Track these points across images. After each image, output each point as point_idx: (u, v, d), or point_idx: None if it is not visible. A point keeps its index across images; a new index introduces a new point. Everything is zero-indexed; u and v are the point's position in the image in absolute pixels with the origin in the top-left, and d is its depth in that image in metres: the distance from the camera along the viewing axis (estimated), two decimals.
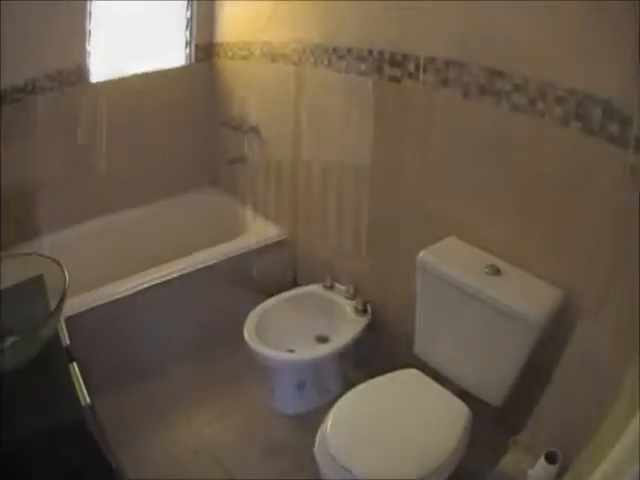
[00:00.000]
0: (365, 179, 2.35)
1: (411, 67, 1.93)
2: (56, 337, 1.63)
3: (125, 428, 2.35)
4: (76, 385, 1.47)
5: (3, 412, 1.37)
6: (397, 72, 1.99)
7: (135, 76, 3.23)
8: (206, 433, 2.42)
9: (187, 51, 3.41)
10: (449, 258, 1.81)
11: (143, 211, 3.45)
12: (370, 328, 2.41)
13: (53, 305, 1.61)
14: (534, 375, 1.60)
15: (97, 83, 3.10)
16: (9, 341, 1.59)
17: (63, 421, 1.38)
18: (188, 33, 3.36)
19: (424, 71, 1.88)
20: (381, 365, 2.17)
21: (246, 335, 2.27)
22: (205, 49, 3.41)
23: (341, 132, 2.42)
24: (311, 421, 2.21)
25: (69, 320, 1.66)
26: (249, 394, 2.61)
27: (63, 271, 1.64)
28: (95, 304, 2.50)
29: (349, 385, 2.03)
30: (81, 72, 3.01)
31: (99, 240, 3.23)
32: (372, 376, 1.96)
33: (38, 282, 1.78)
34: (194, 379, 2.74)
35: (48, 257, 1.73)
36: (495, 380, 1.72)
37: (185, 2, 3.28)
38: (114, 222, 3.34)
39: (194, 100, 3.52)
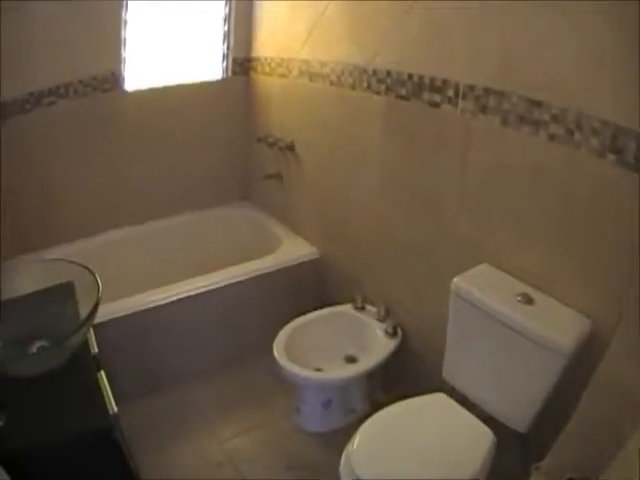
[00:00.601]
0: (400, 202, 2.41)
1: (450, 93, 1.99)
2: (85, 345, 1.69)
3: (149, 438, 2.44)
4: (104, 393, 1.51)
5: (30, 416, 1.43)
6: (436, 97, 2.06)
7: (170, 87, 3.33)
8: (230, 447, 2.49)
9: (224, 64, 3.52)
10: (482, 285, 1.86)
11: (173, 222, 3.56)
12: (399, 351, 2.46)
13: (83, 312, 1.68)
14: (559, 402, 1.64)
15: (131, 92, 3.21)
16: (36, 345, 1.64)
17: (90, 428, 1.42)
18: (225, 46, 3.47)
19: (463, 98, 1.94)
20: (408, 388, 2.22)
21: (275, 352, 2.34)
22: (242, 63, 3.51)
23: (377, 153, 2.48)
24: (335, 440, 2.28)
25: (96, 328, 1.73)
26: (274, 410, 2.68)
27: (96, 279, 1.69)
28: (124, 313, 2.58)
29: (375, 406, 2.09)
30: (115, 79, 3.12)
31: (128, 249, 3.34)
32: (399, 399, 2.01)
33: (68, 288, 1.84)
34: (220, 392, 2.82)
35: (80, 264, 1.78)
36: (521, 407, 1.77)
37: (223, 15, 3.38)
38: (143, 232, 3.45)
39: (229, 114, 3.62)
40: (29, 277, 1.88)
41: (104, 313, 2.50)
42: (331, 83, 2.67)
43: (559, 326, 1.64)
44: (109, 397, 1.51)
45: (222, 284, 2.85)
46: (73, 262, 1.80)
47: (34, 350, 1.63)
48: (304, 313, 2.64)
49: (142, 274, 3.16)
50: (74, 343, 1.58)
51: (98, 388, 1.53)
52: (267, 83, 3.34)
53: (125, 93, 3.19)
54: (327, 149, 2.84)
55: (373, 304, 2.65)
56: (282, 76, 3.13)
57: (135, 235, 3.42)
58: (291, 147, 3.12)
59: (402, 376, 2.58)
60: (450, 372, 2.05)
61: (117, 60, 3.09)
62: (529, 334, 1.66)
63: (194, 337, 2.89)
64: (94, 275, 1.71)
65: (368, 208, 2.63)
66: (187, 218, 3.62)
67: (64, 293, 1.83)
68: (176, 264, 3.37)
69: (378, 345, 2.44)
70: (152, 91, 3.29)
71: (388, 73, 2.29)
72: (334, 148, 2.78)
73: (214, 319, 2.92)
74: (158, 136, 3.39)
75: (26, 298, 1.82)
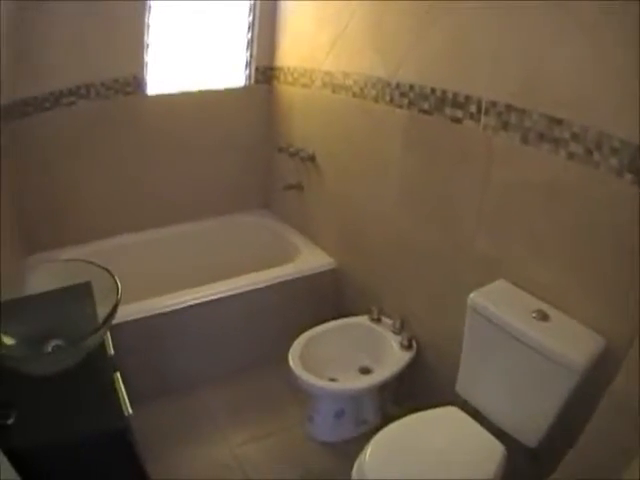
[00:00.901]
0: (419, 215, 2.45)
1: (473, 109, 2.04)
2: (102, 346, 1.72)
3: (159, 441, 2.49)
4: (120, 394, 1.54)
5: (44, 414, 1.46)
6: (459, 113, 2.10)
7: (193, 93, 3.40)
8: (241, 452, 2.54)
9: (247, 72, 3.58)
10: (499, 301, 1.90)
11: (191, 228, 3.64)
12: (413, 363, 2.50)
13: (100, 313, 1.71)
14: (570, 418, 1.67)
15: (153, 96, 3.28)
16: (52, 344, 1.67)
17: (105, 429, 1.45)
18: (248, 54, 3.53)
19: (485, 114, 1.99)
20: (420, 401, 2.27)
21: (290, 361, 2.38)
22: (265, 72, 3.57)
23: (398, 167, 2.53)
24: (346, 450, 2.33)
25: (112, 329, 1.77)
26: (287, 418, 2.73)
27: (115, 281, 1.73)
28: (140, 316, 2.64)
29: (387, 418, 2.14)
30: (137, 83, 3.19)
31: (144, 252, 3.41)
32: (411, 411, 2.05)
33: (86, 288, 1.86)
34: (233, 398, 2.87)
35: (99, 265, 1.81)
36: (532, 422, 1.80)
37: (247, 22, 3.45)
38: (161, 236, 3.53)
39: (251, 122, 3.68)
40: (47, 276, 1.91)
41: (120, 315, 2.53)
42: (354, 95, 2.72)
43: (573, 343, 1.67)
44: (124, 398, 1.53)
45: (240, 290, 2.91)
46: (92, 263, 1.84)
47: (49, 349, 1.66)
48: (320, 323, 2.69)
49: (158, 278, 3.23)
50: (91, 344, 1.62)
51: (114, 389, 1.56)
52: (289, 93, 3.40)
53: (147, 97, 3.26)
54: (348, 161, 2.89)
55: (389, 316, 2.70)
56: (305, 86, 3.19)
57: (152, 239, 3.49)
58: (312, 158, 3.18)
59: (415, 388, 2.61)
60: (464, 386, 2.09)
61: (139, 63, 3.17)
62: (543, 350, 1.69)
63: (210, 342, 2.94)
64: (113, 277, 1.74)
65: (387, 220, 2.67)
66: (206, 224, 3.69)
67: (82, 293, 1.86)
68: (193, 269, 3.42)
69: (393, 357, 2.48)
70: (174, 96, 3.37)
71: (411, 87, 2.34)
72: (355, 160, 2.83)
73: (230, 325, 2.97)
74: (179, 141, 3.46)
75: (43, 296, 1.84)
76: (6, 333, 1.67)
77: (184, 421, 2.71)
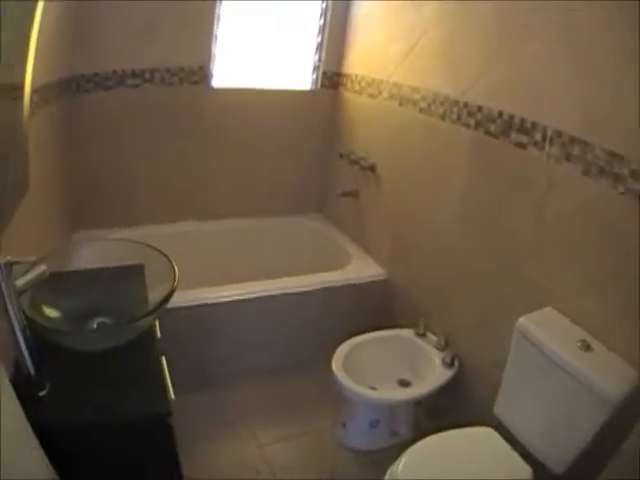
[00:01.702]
0: (474, 236, 2.54)
1: (538, 136, 2.12)
2: (151, 328, 1.79)
3: (190, 432, 2.55)
4: (165, 379, 1.60)
5: (84, 391, 1.51)
6: (524, 139, 2.19)
7: (258, 90, 3.54)
8: (270, 452, 2.66)
9: (314, 76, 3.71)
10: (546, 328, 1.98)
11: (242, 224, 3.79)
12: (452, 381, 2.59)
13: (151, 296, 1.78)
14: (598, 449, 1.76)
15: (218, 88, 3.43)
16: (97, 321, 1.74)
17: (149, 412, 1.50)
18: (317, 58, 3.66)
19: (550, 143, 2.07)
20: (454, 418, 2.38)
21: (334, 365, 2.51)
22: (332, 77, 3.70)
23: (457, 186, 2.62)
24: (375, 459, 2.47)
25: None
26: (319, 422, 2.84)
27: (173, 267, 1.78)
28: (185, 304, 2.74)
29: (419, 432, 2.24)
30: (203, 74, 3.34)
31: (194, 242, 3.56)
32: (444, 427, 2.15)
33: (138, 270, 1.94)
34: (267, 397, 3.00)
35: (156, 249, 1.88)
36: (563, 449, 1.88)
37: (318, 26, 3.58)
38: (210, 228, 3.69)
39: (313, 126, 3.80)
40: (100, 252, 1.99)
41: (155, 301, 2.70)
42: (421, 110, 2.83)
43: (611, 376, 1.75)
44: (169, 383, 1.60)
45: (288, 291, 3.04)
46: (150, 246, 1.91)
47: (94, 326, 1.73)
48: (364, 332, 2.79)
49: (206, 269, 3.36)
50: (142, 326, 1.67)
51: (160, 373, 1.62)
52: (355, 101, 3.53)
53: (211, 89, 3.41)
54: (408, 175, 3.00)
55: (434, 332, 2.80)
56: (371, 96, 3.31)
57: (202, 231, 3.66)
58: (372, 167, 3.29)
59: (450, 405, 2.70)
60: (501, 407, 2.18)
61: (207, 54, 3.31)
62: (583, 380, 1.77)
63: (250, 339, 3.07)
64: (171, 262, 1.81)
65: (441, 238, 2.77)
66: (258, 222, 3.84)
67: (133, 275, 1.94)
68: (240, 265, 3.58)
69: (434, 373, 2.59)
70: (238, 91, 3.51)
71: (479, 108, 2.43)
72: (416, 175, 2.93)
73: (273, 324, 3.11)
74: (239, 136, 3.60)
75: (93, 273, 1.91)
76: (52, 305, 1.72)
77: (216, 414, 2.83)
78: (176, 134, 3.43)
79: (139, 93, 3.21)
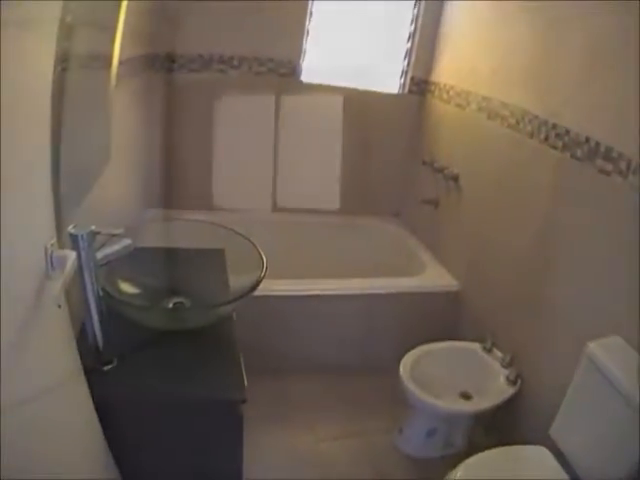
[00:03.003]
0: (551, 258, 2.60)
1: (623, 165, 2.18)
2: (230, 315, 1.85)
3: (249, 416, 2.66)
4: (241, 365, 1.64)
5: (162, 371, 1.57)
6: (609, 166, 2.25)
7: (344, 89, 3.68)
8: (324, 447, 2.79)
9: (402, 81, 3.84)
10: (614, 356, 2.06)
11: (318, 219, 3.95)
12: (513, 399, 2.68)
13: (232, 282, 1.84)
14: None
15: (306, 83, 3.59)
16: (174, 301, 1.80)
17: (224, 397, 1.55)
18: (406, 63, 3.79)
19: (634, 173, 2.13)
20: (508, 435, 2.53)
21: (402, 370, 2.64)
22: (420, 84, 3.81)
23: (540, 207, 2.70)
24: (428, 468, 2.61)
25: None
26: (377, 425, 2.96)
27: (261, 255, 1.84)
28: (258, 293, 2.88)
29: (473, 445, 2.35)
30: (292, 67, 3.51)
31: (265, 233, 3.60)
32: (498, 443, 2.26)
33: (220, 255, 2.02)
34: (329, 393, 3.14)
35: (244, 236, 1.95)
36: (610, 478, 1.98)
37: (408, 31, 3.69)
38: (287, 219, 3.88)
39: (398, 130, 3.93)
40: (177, 232, 2.09)
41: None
42: (509, 126, 2.92)
43: None
44: (243, 370, 1.63)
45: (359, 292, 3.20)
46: (236, 232, 1.97)
47: (169, 305, 1.79)
48: (430, 341, 2.91)
49: (276, 262, 3.46)
50: (223, 313, 1.74)
51: (237, 358, 1.67)
52: (442, 109, 3.64)
53: (299, 83, 3.58)
54: (491, 189, 3.08)
55: (501, 349, 2.89)
56: (459, 106, 3.42)
57: (277, 222, 3.86)
58: (455, 178, 3.39)
59: (506, 422, 2.78)
60: (558, 430, 2.26)
61: (297, 48, 3.49)
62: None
63: (317, 334, 3.24)
64: (259, 251, 1.89)
65: (518, 256, 2.84)
66: (334, 219, 4.00)
67: (215, 258, 2.01)
68: (311, 260, 3.73)
69: (496, 389, 2.69)
70: (326, 88, 3.66)
71: (567, 131, 2.50)
72: (498, 190, 3.02)
73: (341, 323, 3.26)
74: (322, 132, 3.77)
75: (173, 252, 2.00)
76: (129, 280, 1.79)
77: (276, 404, 2.98)
78: (258, 123, 3.62)
79: (225, 78, 3.40)
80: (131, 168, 2.93)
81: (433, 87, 3.74)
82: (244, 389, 1.57)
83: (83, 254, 1.30)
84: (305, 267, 3.49)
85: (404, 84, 3.85)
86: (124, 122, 2.57)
